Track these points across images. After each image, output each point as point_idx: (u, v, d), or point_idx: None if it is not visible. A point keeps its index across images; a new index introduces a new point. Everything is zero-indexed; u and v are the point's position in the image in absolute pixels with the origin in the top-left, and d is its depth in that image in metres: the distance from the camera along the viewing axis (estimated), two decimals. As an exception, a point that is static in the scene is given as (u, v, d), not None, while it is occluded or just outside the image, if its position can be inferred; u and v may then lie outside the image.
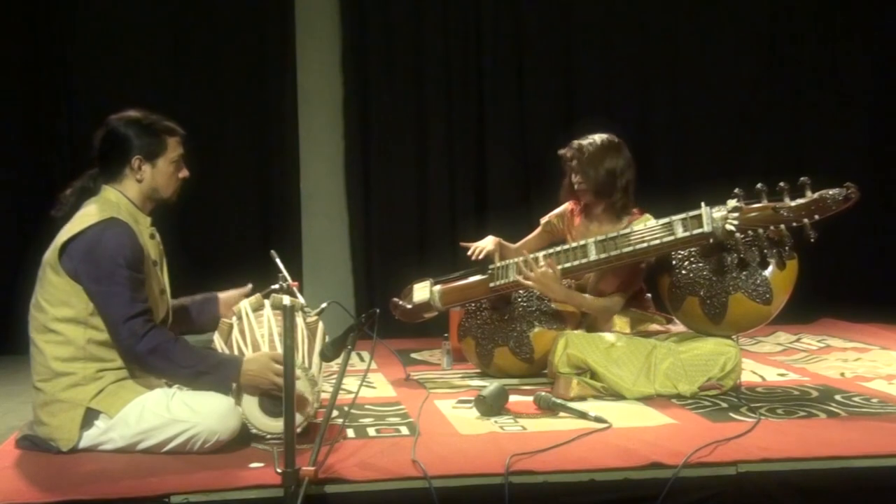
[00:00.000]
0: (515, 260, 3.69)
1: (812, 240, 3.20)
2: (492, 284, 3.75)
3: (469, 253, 3.94)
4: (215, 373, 2.73)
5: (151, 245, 2.85)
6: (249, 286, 3.17)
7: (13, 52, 5.17)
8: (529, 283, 3.58)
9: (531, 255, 3.65)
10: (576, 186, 3.74)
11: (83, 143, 5.00)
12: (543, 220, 4.02)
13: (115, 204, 2.78)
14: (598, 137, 3.72)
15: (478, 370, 3.97)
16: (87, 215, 2.73)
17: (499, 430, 2.96)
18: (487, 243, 3.94)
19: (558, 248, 3.64)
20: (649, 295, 3.81)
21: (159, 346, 2.67)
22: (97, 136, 2.86)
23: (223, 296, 3.17)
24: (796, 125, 5.85)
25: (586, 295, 3.69)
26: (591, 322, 3.76)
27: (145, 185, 2.83)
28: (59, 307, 2.69)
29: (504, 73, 5.58)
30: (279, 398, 2.67)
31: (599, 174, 3.66)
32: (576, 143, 3.74)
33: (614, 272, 3.63)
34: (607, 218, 3.74)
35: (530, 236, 4.05)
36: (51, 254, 2.72)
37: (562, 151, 3.78)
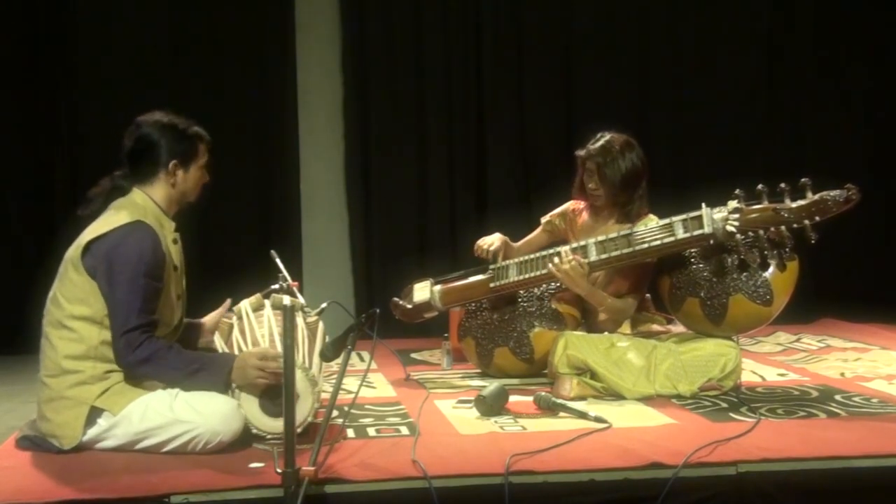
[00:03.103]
0: (520, 259, 3.69)
1: (812, 241, 3.19)
2: (492, 285, 3.75)
3: (475, 251, 3.92)
4: (208, 368, 2.71)
5: (174, 250, 2.86)
6: (228, 301, 3.11)
7: (13, 50, 5.16)
8: (559, 274, 3.54)
9: (561, 248, 3.58)
10: (589, 192, 3.69)
11: (83, 142, 5.07)
12: (544, 219, 4.00)
13: (141, 207, 2.79)
14: (616, 142, 3.63)
15: (478, 370, 3.97)
16: (114, 217, 2.74)
17: (499, 430, 2.96)
18: (495, 240, 3.93)
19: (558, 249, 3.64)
20: (649, 295, 3.81)
21: (152, 354, 2.66)
22: (128, 136, 2.85)
23: (206, 319, 3.15)
24: (796, 125, 5.85)
25: (605, 294, 3.65)
26: (591, 323, 3.76)
27: (177, 189, 2.86)
28: (76, 305, 2.69)
29: (504, 73, 5.58)
30: (276, 397, 2.68)
31: (617, 183, 3.60)
32: (593, 147, 3.65)
33: (624, 274, 3.63)
34: (616, 220, 3.72)
35: (530, 236, 4.03)
36: (74, 251, 2.72)
37: (578, 153, 3.71)
